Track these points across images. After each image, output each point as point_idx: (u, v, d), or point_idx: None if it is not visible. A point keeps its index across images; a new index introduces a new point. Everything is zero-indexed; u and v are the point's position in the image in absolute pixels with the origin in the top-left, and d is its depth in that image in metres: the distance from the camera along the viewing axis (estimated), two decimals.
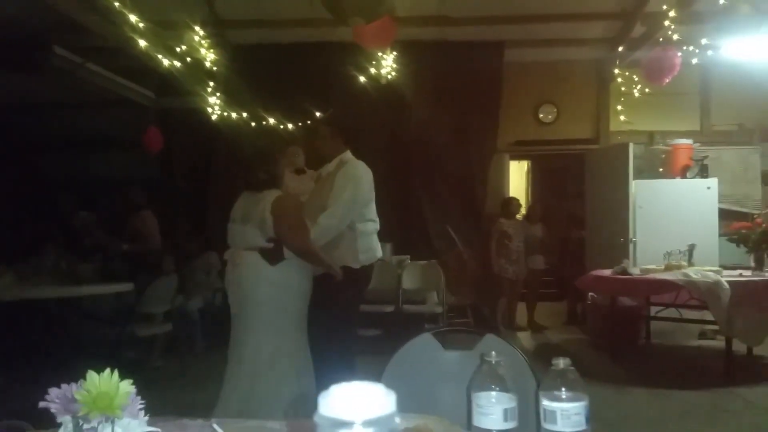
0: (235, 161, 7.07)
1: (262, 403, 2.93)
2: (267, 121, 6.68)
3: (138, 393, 0.93)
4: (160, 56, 5.29)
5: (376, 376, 1.61)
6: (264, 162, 3.17)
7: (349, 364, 3.23)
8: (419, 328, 5.64)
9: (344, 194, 3.24)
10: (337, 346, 3.22)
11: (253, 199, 3.10)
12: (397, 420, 0.57)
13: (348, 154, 3.45)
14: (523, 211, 7.78)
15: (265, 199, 3.05)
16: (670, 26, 5.51)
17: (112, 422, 0.89)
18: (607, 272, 5.46)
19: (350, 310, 3.37)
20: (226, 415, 2.91)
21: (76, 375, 0.92)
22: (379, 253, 3.50)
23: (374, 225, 3.45)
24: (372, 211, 3.43)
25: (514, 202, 7.27)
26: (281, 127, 6.69)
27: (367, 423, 0.55)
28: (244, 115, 6.66)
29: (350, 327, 3.39)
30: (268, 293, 3.02)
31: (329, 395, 0.59)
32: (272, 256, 3.02)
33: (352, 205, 3.27)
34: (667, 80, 5.40)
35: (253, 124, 6.73)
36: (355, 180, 3.31)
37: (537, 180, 10.90)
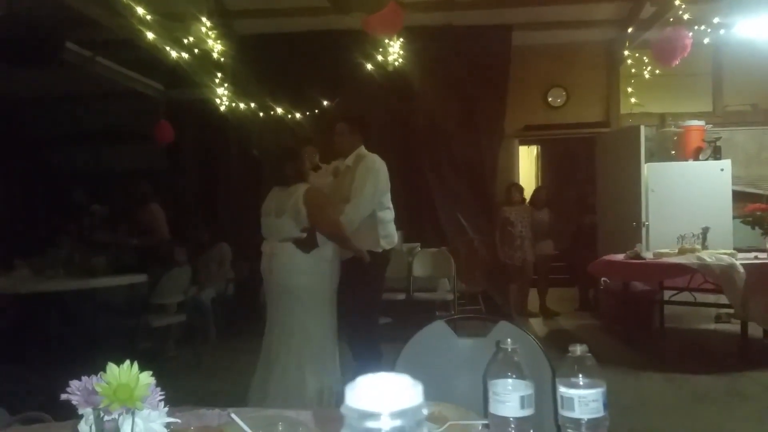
0: (246, 153, 7.11)
1: (292, 387, 3.19)
2: (275, 111, 6.67)
3: (156, 384, 0.94)
4: (168, 48, 5.30)
5: (389, 363, 1.61)
6: (291, 158, 3.44)
7: (375, 340, 3.57)
8: (430, 315, 5.66)
9: (366, 187, 3.53)
10: (366, 323, 3.57)
11: (285, 194, 3.36)
12: (425, 411, 0.57)
13: (363, 149, 3.73)
14: (527, 196, 7.72)
15: (296, 192, 3.31)
16: (680, 6, 5.41)
17: (133, 414, 0.90)
18: (619, 257, 5.43)
19: (377, 290, 3.72)
20: (258, 401, 3.17)
21: (92, 366, 0.93)
22: (396, 238, 3.81)
23: (391, 213, 3.73)
24: (388, 199, 3.72)
25: (515, 188, 7.23)
26: (292, 123, 6.70)
27: (395, 414, 0.55)
28: (252, 105, 6.66)
29: (377, 305, 3.79)
30: (302, 280, 3.30)
31: (356, 386, 0.58)
32: (306, 244, 3.29)
33: (373, 197, 3.56)
34: (677, 61, 5.32)
35: (261, 114, 6.73)
36: (375, 173, 3.59)
37: (547, 165, 10.82)
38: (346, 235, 3.39)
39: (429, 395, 0.59)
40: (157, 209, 5.93)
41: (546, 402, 1.21)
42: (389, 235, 3.69)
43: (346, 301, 3.49)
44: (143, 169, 7.58)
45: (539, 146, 10.69)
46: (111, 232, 6.04)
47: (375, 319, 3.76)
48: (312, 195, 3.33)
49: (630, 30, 6.76)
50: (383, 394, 0.56)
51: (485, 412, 1.13)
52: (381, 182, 3.64)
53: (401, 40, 5.99)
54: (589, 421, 1.02)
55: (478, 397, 1.21)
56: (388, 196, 3.72)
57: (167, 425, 0.94)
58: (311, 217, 3.29)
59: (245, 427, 1.03)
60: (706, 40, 5.73)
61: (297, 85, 6.61)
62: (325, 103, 6.87)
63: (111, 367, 0.89)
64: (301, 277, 3.31)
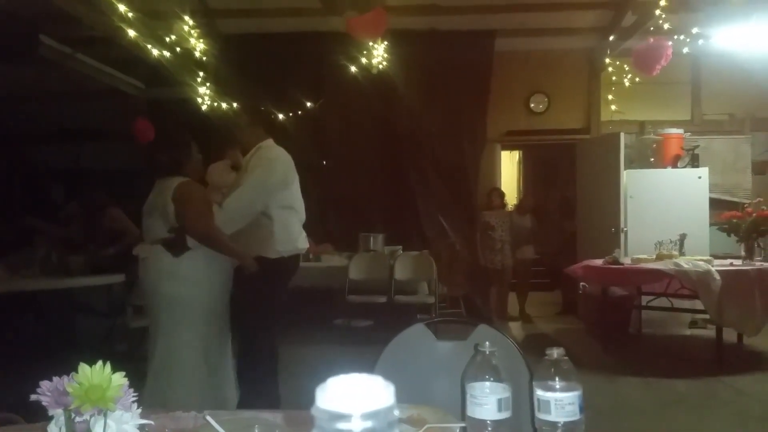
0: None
1: (177, 397, 2.79)
2: (258, 112, 6.62)
3: (130, 385, 0.93)
4: (149, 46, 5.25)
5: (369, 366, 1.61)
6: (167, 146, 2.99)
7: (269, 356, 3.10)
8: (411, 318, 5.65)
9: (251, 177, 3.04)
10: (257, 337, 3.07)
11: (160, 188, 2.94)
12: (396, 413, 0.56)
13: (268, 142, 3.26)
14: (508, 201, 7.77)
15: (169, 186, 2.87)
16: (661, 15, 5.49)
17: (105, 415, 0.88)
18: (598, 262, 5.48)
19: (267, 302, 3.11)
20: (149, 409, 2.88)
21: (67, 367, 0.91)
22: (302, 245, 3.24)
23: (295, 213, 3.22)
24: (293, 197, 3.21)
25: (496, 192, 7.28)
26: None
27: (366, 416, 0.54)
28: (234, 105, 6.61)
29: (268, 319, 3.15)
30: (173, 287, 2.84)
31: (326, 387, 0.57)
32: (175, 246, 2.83)
33: (260, 189, 3.05)
34: (657, 70, 5.40)
35: (244, 114, 6.68)
36: (267, 162, 3.11)
37: (528, 170, 10.90)
38: (218, 237, 2.88)
39: (408, 398, 0.59)
40: (118, 212, 5.75)
41: (524, 405, 1.22)
42: (289, 240, 3.13)
43: (240, 316, 3.04)
44: (122, 168, 7.49)
45: (521, 151, 10.77)
46: (87, 235, 5.94)
47: (263, 341, 3.10)
48: (182, 189, 2.85)
49: (611, 38, 6.84)
50: (354, 395, 0.55)
51: (463, 415, 1.13)
52: (274, 174, 3.10)
53: (385, 43, 6.00)
54: (566, 424, 1.03)
55: (457, 400, 1.22)
56: (293, 193, 3.22)
57: (140, 427, 0.93)
58: (177, 215, 2.83)
59: (221, 430, 1.02)
60: (685, 50, 5.82)
61: (280, 86, 6.57)
62: (308, 104, 6.85)
63: (83, 367, 0.88)
64: (171, 285, 2.83)
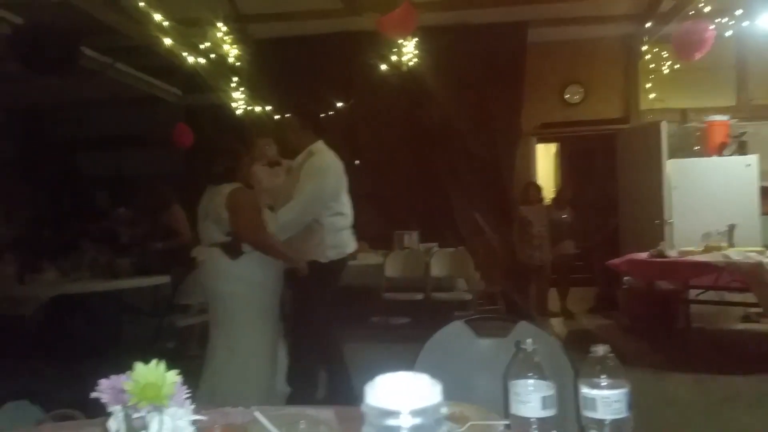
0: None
1: (228, 395, 2.90)
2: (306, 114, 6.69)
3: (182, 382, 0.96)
4: (184, 53, 5.37)
5: (408, 364, 1.60)
6: (221, 155, 3.13)
7: (321, 356, 3.23)
8: (449, 315, 5.62)
9: (305, 188, 3.17)
10: (309, 339, 3.21)
11: (212, 194, 3.09)
12: (444, 410, 0.58)
13: (319, 145, 3.34)
14: (546, 195, 7.65)
15: (222, 193, 3.02)
16: None
17: (160, 411, 0.92)
18: (643, 255, 5.35)
19: (319, 305, 3.24)
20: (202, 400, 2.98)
21: (117, 366, 0.96)
22: (350, 249, 3.41)
23: (344, 219, 3.35)
24: (342, 204, 3.35)
25: (532, 186, 7.16)
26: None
27: (415, 413, 0.56)
28: (268, 108, 6.70)
29: (319, 322, 3.27)
30: (230, 287, 3.01)
31: (375, 385, 0.60)
32: (231, 250, 2.99)
33: (314, 199, 3.20)
34: (700, 55, 5.23)
35: (276, 117, 6.76)
36: (320, 172, 3.22)
37: (566, 163, 10.71)
38: (271, 244, 3.04)
39: (449, 396, 0.61)
40: (179, 211, 5.97)
41: (568, 403, 1.20)
42: (338, 245, 3.29)
43: (292, 317, 3.21)
44: (162, 172, 7.68)
45: (558, 144, 10.60)
46: (135, 235, 6.13)
47: (313, 338, 3.27)
48: (235, 198, 3.00)
49: (648, 24, 6.66)
50: (402, 392, 0.58)
51: (506, 413, 1.13)
52: (327, 183, 3.24)
53: (415, 40, 5.98)
54: (613, 421, 1.02)
55: (499, 397, 1.21)
56: (343, 199, 3.35)
57: (193, 423, 0.96)
58: (231, 222, 3.00)
59: (269, 425, 1.04)
60: (728, 33, 5.62)
61: (312, 88, 6.62)
62: (339, 104, 6.88)
63: (138, 365, 0.92)
64: (228, 285, 3.02)
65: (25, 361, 4.28)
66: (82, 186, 8.69)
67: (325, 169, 3.25)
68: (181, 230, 5.81)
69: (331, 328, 3.38)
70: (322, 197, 3.21)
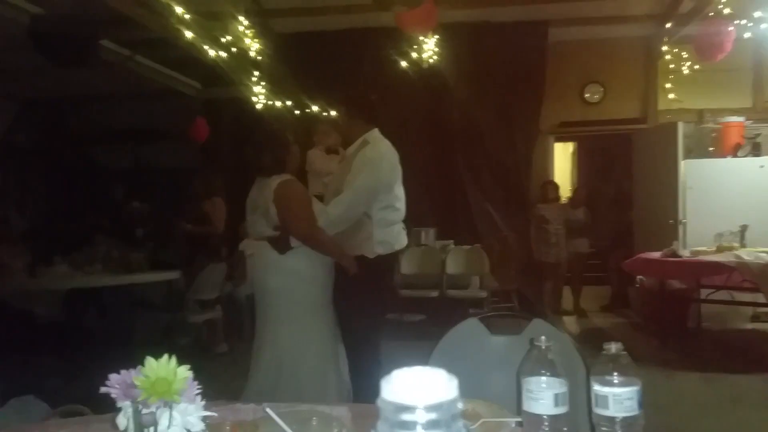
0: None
1: (285, 390, 2.82)
2: (310, 109, 6.71)
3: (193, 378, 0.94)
4: (205, 47, 5.39)
5: (422, 360, 1.64)
6: (270, 146, 2.97)
7: (373, 352, 3.06)
8: (463, 312, 5.67)
9: (357, 180, 2.97)
10: (359, 334, 3.04)
11: (260, 186, 2.96)
12: (460, 405, 0.58)
13: (374, 133, 3.15)
14: (563, 194, 7.64)
15: (270, 185, 2.88)
16: (720, 0, 5.29)
17: (170, 407, 0.90)
18: (656, 255, 5.36)
19: (369, 300, 3.04)
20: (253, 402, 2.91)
21: (129, 361, 0.94)
22: (399, 244, 3.19)
23: (396, 213, 3.13)
24: (395, 197, 3.11)
25: (550, 185, 7.16)
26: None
27: (430, 408, 0.55)
28: (289, 103, 6.73)
29: (369, 317, 3.09)
30: (279, 282, 2.90)
31: (392, 380, 0.59)
32: (279, 244, 2.88)
33: (365, 193, 3.00)
34: (720, 56, 5.21)
35: (297, 112, 6.80)
36: (372, 164, 3.01)
37: (583, 162, 10.67)
38: (320, 238, 2.88)
39: (462, 392, 0.59)
40: (221, 203, 5.84)
41: (580, 400, 1.22)
42: (387, 240, 3.07)
43: (342, 313, 3.04)
44: (180, 167, 7.73)
45: (575, 143, 10.55)
46: (156, 226, 6.10)
47: (366, 335, 3.06)
48: (283, 191, 2.85)
49: (668, 25, 6.61)
50: (419, 387, 0.57)
51: (518, 410, 1.14)
52: (382, 176, 3.02)
53: (436, 37, 5.98)
54: (624, 419, 1.03)
55: (512, 394, 1.22)
56: (396, 192, 3.12)
57: (203, 419, 0.94)
58: (279, 216, 2.86)
59: (280, 422, 1.03)
60: (747, 35, 5.58)
61: (332, 83, 6.65)
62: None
63: (149, 360, 0.90)
64: (277, 280, 2.90)
65: (33, 355, 4.20)
66: (98, 179, 8.69)
67: (379, 159, 3.04)
68: (215, 221, 5.75)
69: (380, 328, 3.22)
70: (373, 191, 3.00)
